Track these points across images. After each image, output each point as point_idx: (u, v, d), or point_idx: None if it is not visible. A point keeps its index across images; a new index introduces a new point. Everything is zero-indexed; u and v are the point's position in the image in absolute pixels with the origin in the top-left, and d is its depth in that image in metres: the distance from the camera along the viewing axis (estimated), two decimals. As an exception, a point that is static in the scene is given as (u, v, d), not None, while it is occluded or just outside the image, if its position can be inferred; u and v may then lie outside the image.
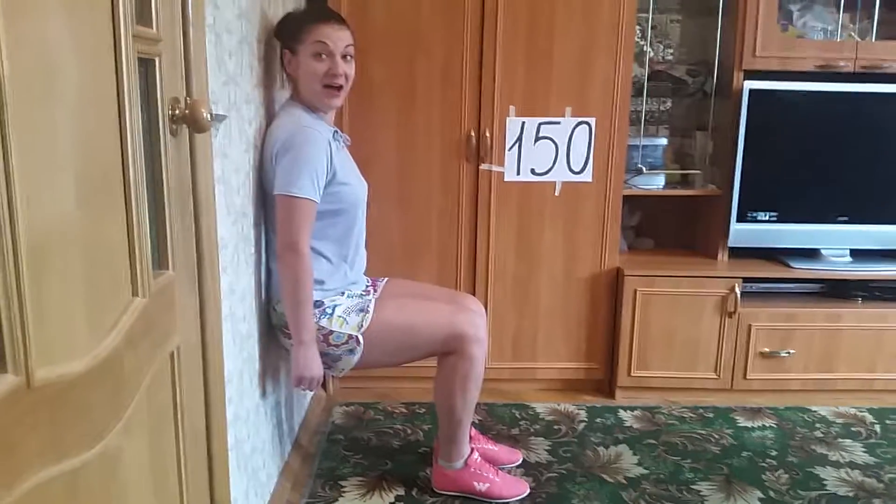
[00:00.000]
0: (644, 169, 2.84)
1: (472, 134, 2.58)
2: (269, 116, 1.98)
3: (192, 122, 1.14)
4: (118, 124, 0.91)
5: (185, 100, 1.17)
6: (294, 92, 1.98)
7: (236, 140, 1.65)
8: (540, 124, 2.59)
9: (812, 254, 2.87)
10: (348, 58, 1.92)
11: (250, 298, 1.79)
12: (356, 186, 1.99)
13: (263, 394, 1.93)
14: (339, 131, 2.03)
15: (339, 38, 1.89)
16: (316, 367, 1.87)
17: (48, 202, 0.73)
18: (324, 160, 1.82)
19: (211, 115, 1.16)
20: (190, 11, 1.19)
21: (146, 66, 1.04)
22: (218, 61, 1.49)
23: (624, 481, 2.18)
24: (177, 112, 1.13)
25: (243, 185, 1.72)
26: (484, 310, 2.20)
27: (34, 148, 0.70)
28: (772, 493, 2.13)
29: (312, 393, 1.94)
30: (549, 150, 2.61)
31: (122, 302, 0.93)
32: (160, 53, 1.07)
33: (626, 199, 2.78)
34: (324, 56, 1.88)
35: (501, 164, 2.62)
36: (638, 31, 2.87)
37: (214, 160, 1.43)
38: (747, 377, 2.74)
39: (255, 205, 1.84)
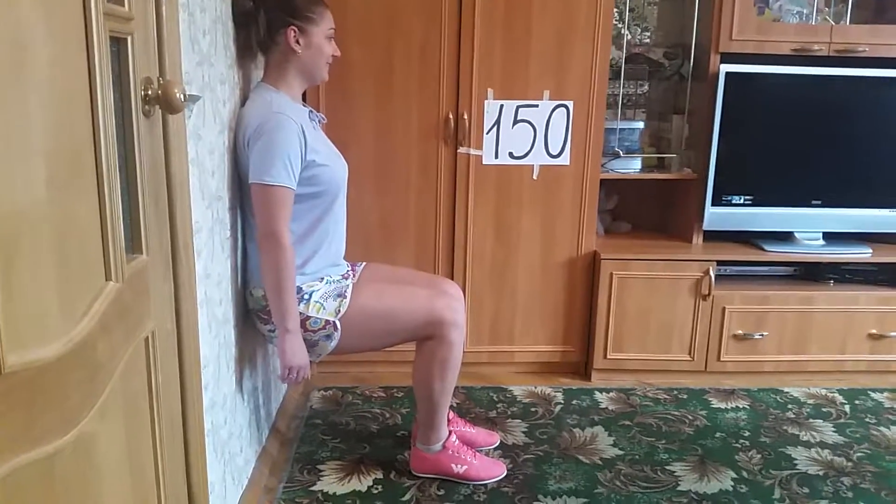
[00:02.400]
0: (621, 152, 2.85)
1: (451, 117, 2.57)
2: (245, 97, 1.95)
3: (165, 102, 1.12)
4: (90, 105, 0.89)
5: (158, 80, 1.15)
6: (279, 66, 1.92)
7: (210, 121, 1.63)
8: (518, 107, 2.59)
9: (786, 237, 2.90)
10: None
11: (226, 283, 1.77)
12: (336, 167, 1.96)
13: (240, 379, 1.91)
14: (314, 111, 2.01)
15: None
16: (302, 356, 1.86)
17: (18, 185, 0.71)
18: (296, 145, 1.79)
19: (184, 95, 1.14)
20: (162, -11, 1.17)
21: (118, 45, 1.02)
22: (191, 40, 1.46)
23: (600, 462, 2.21)
24: (149, 92, 1.10)
25: (218, 167, 1.69)
26: (462, 294, 2.20)
27: (3, 129, 0.68)
28: (745, 473, 2.16)
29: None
30: (527, 134, 2.61)
31: (95, 286, 0.92)
32: (132, 32, 1.05)
33: (603, 182, 2.79)
34: (331, 39, 1.97)
35: (479, 147, 2.61)
36: (615, 14, 2.87)
37: (188, 142, 1.41)
38: (721, 359, 2.78)
39: (231, 187, 1.81)
